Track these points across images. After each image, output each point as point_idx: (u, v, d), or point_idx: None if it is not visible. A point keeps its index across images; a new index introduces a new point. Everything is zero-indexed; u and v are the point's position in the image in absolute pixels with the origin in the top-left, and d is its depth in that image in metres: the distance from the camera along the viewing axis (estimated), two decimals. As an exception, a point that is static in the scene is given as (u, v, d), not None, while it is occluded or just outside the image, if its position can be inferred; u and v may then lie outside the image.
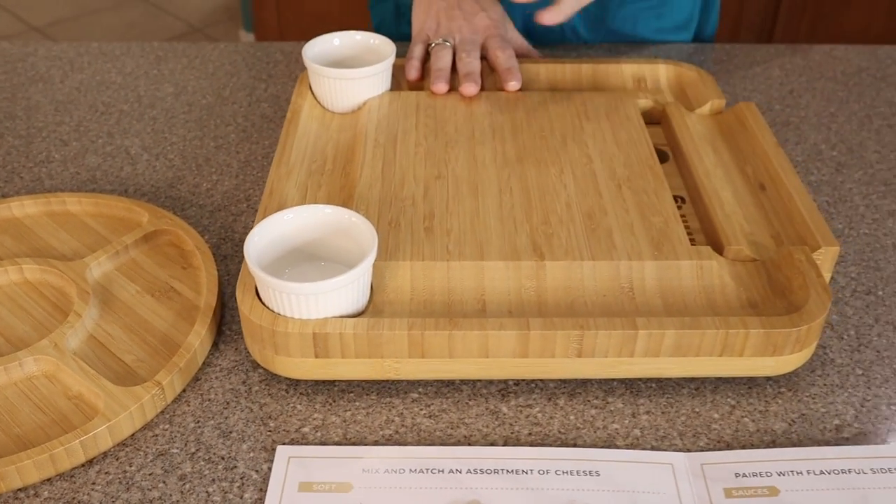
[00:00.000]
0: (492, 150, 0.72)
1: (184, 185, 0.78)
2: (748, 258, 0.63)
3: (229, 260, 0.69)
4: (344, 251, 0.60)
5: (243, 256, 0.62)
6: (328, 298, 0.55)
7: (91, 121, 0.87)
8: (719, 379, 0.60)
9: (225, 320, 0.64)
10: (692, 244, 0.64)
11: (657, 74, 0.85)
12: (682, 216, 0.69)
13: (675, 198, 0.71)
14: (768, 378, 0.60)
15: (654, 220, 0.64)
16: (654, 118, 0.81)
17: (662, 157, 0.76)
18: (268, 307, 0.56)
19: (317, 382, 0.59)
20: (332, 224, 0.60)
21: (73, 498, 0.52)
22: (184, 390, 0.58)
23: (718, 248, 0.64)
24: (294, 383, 0.59)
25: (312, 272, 0.61)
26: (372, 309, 0.58)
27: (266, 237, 0.58)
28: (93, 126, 0.86)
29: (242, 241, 0.71)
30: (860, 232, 0.74)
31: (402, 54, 0.84)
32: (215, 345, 0.62)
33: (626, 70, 0.86)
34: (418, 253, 0.61)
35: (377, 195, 0.67)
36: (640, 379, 0.59)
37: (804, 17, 2.17)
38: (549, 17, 0.76)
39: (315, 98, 0.80)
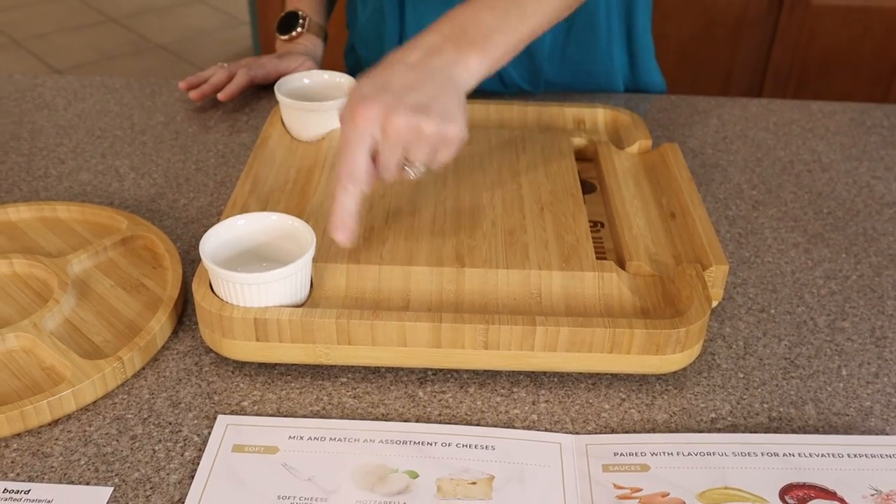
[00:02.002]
0: (433, 176, 0.81)
1: (164, 200, 0.87)
2: (647, 273, 0.71)
3: (196, 264, 0.78)
4: (289, 253, 0.68)
5: (204, 257, 0.71)
6: (269, 289, 0.63)
7: (87, 143, 0.97)
8: (614, 376, 0.68)
9: (186, 313, 0.73)
10: (600, 260, 0.72)
11: (595, 117, 0.95)
12: (598, 238, 0.78)
13: (595, 223, 0.79)
14: (658, 377, 0.68)
15: (567, 238, 0.73)
16: (588, 155, 0.90)
17: (590, 188, 0.85)
18: (218, 297, 0.65)
19: (259, 366, 0.67)
20: (278, 229, 0.69)
21: (38, 450, 0.60)
22: (143, 367, 0.67)
23: (623, 265, 0.72)
24: (240, 366, 0.67)
25: (260, 271, 0.69)
26: (310, 303, 0.67)
27: (221, 238, 0.67)
28: (88, 148, 0.96)
29: (210, 248, 0.80)
30: (764, 259, 0.82)
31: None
32: (175, 332, 0.70)
33: (568, 113, 0.95)
34: (354, 257, 0.70)
35: (327, 210, 0.76)
36: (542, 372, 0.68)
37: (790, 83, 2.27)
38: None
39: (285, 128, 0.90)
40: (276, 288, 0.64)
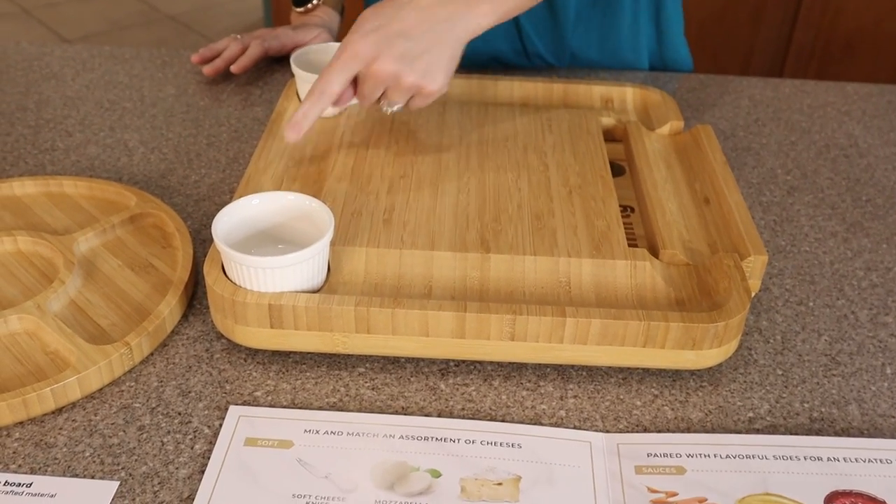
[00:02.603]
0: (456, 155, 0.78)
1: (174, 176, 0.84)
2: (681, 262, 0.67)
3: (207, 244, 0.75)
4: (305, 234, 0.65)
5: (216, 237, 0.68)
6: (284, 273, 0.60)
7: (95, 116, 0.94)
8: (646, 371, 0.64)
9: (197, 296, 0.69)
10: (631, 247, 0.69)
11: (624, 96, 0.91)
12: (629, 223, 0.74)
13: (625, 207, 0.76)
14: (692, 372, 0.64)
15: (597, 224, 0.69)
16: (617, 136, 0.86)
17: (619, 171, 0.81)
18: (231, 280, 0.62)
19: (273, 353, 0.64)
20: (294, 209, 0.65)
21: (41, 440, 0.57)
22: (151, 353, 0.64)
23: (655, 253, 0.68)
24: (252, 353, 0.64)
25: (275, 253, 0.66)
26: (327, 288, 0.64)
27: (234, 218, 0.64)
28: (96, 120, 0.93)
29: (222, 227, 0.76)
30: (801, 249, 0.78)
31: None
32: (185, 316, 0.67)
33: (596, 91, 0.91)
34: (374, 240, 0.66)
35: (344, 189, 0.72)
36: (571, 366, 0.64)
37: (811, 64, 2.22)
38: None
39: (300, 102, 0.86)
40: (292, 272, 0.60)
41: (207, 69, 1.00)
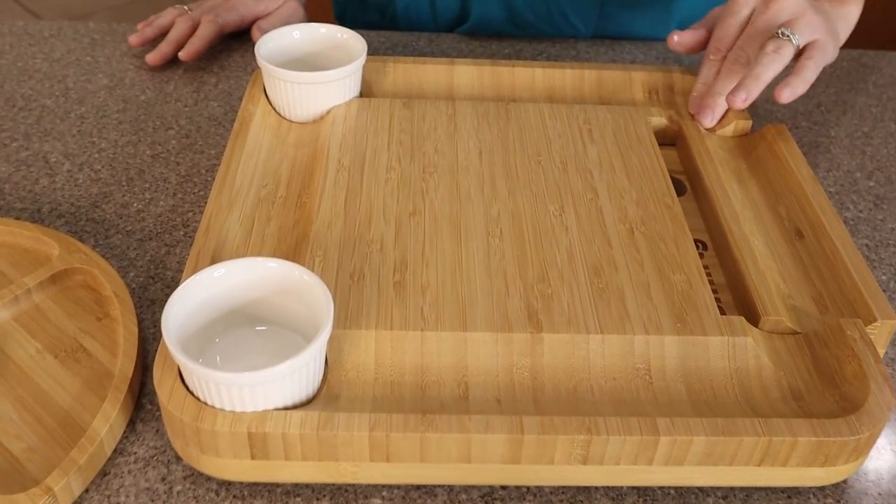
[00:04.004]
0: (478, 178, 0.60)
1: (110, 204, 0.65)
2: (788, 330, 0.51)
3: (157, 306, 0.57)
4: (291, 313, 0.48)
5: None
6: (268, 389, 0.43)
7: (6, 118, 0.74)
8: (754, 487, 0.49)
9: (146, 390, 0.52)
10: (720, 309, 0.52)
11: (671, 84, 0.74)
12: (705, 267, 0.58)
13: (696, 243, 0.59)
14: (814, 488, 0.49)
15: (674, 279, 0.53)
16: (668, 138, 0.69)
17: (678, 189, 0.64)
18: (193, 394, 0.44)
19: (255, 483, 0.47)
20: (277, 281, 0.48)
21: None
22: (86, 490, 0.46)
23: (752, 316, 0.52)
24: (226, 483, 0.47)
25: (252, 340, 0.49)
26: (326, 392, 0.47)
27: (191, 302, 0.46)
28: (7, 125, 0.73)
29: (175, 280, 0.59)
30: (908, 286, 0.63)
31: (373, 52, 0.71)
32: (131, 423, 0.50)
33: (637, 78, 0.74)
34: (386, 318, 0.49)
35: (337, 236, 0.55)
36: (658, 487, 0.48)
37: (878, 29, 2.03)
38: (790, 92, 0.63)
39: (270, 103, 0.68)
40: (280, 386, 0.43)
41: (151, 57, 0.80)
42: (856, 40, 0.80)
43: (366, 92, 0.71)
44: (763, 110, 0.80)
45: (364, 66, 0.69)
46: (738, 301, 0.55)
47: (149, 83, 0.79)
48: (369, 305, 0.50)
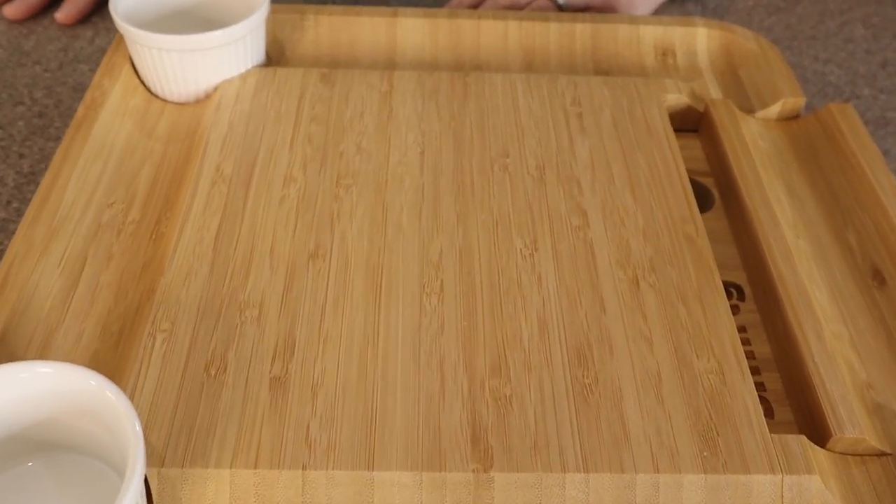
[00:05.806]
0: (415, 194, 0.42)
1: (-86, 219, 0.47)
2: (873, 451, 0.34)
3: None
4: (89, 436, 0.30)
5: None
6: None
7: None
8: None
9: None
10: (765, 410, 0.35)
11: (693, 44, 0.54)
12: (741, 330, 0.40)
13: (727, 288, 0.41)
14: None
15: (698, 368, 0.35)
16: (690, 122, 0.50)
17: (703, 201, 0.46)
18: None
19: None
20: (62, 395, 0.30)
21: None
22: None
23: (815, 424, 0.35)
24: None
25: (42, 475, 0.31)
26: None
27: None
28: None
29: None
30: None
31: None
32: None
33: (645, 35, 0.54)
34: (251, 445, 0.31)
35: (197, 295, 0.36)
36: None
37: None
38: None
39: (137, 76, 0.49)
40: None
41: (10, 10, 0.61)
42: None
43: (276, 56, 0.52)
44: (809, 72, 0.60)
45: (274, 21, 0.50)
46: (793, 391, 0.37)
47: (1, 38, 0.60)
48: (226, 423, 0.32)
